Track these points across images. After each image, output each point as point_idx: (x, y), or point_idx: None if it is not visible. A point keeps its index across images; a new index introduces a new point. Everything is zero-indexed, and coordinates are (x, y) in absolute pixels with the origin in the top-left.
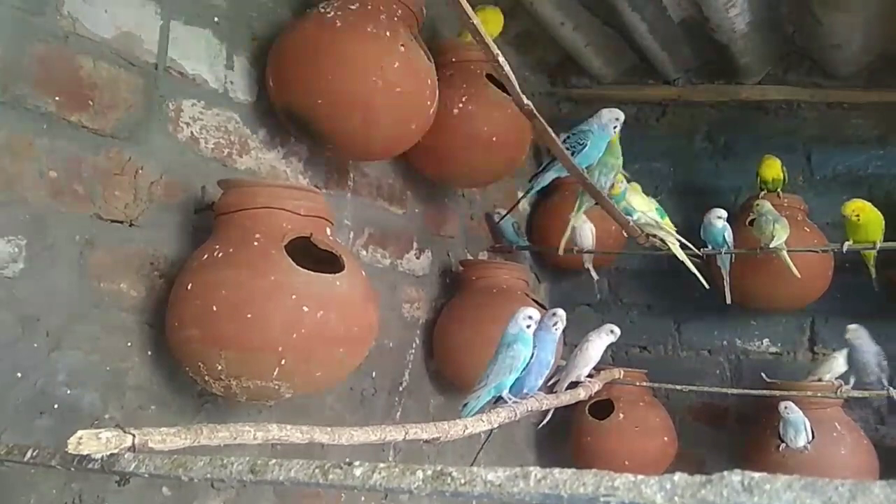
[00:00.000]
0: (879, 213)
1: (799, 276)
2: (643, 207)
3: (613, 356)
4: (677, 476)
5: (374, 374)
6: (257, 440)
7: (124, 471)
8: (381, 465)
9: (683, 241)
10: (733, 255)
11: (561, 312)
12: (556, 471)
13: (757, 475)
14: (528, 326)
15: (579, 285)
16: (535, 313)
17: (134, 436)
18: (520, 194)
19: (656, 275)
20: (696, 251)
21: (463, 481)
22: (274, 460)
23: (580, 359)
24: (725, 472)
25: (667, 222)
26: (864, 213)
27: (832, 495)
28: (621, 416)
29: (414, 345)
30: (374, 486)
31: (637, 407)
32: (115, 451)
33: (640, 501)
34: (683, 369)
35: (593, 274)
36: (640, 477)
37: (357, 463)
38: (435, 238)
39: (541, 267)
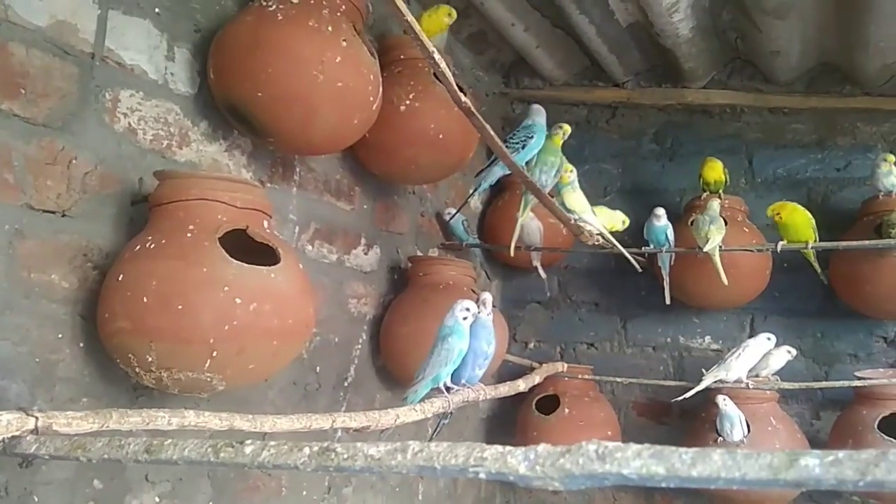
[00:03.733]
0: (807, 213)
1: (726, 282)
2: (577, 207)
3: (562, 353)
4: (541, 447)
5: (318, 368)
6: (172, 426)
7: (25, 453)
8: (272, 443)
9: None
10: (673, 255)
11: (486, 296)
12: (433, 444)
13: (611, 444)
14: (465, 318)
15: (530, 283)
16: (472, 306)
17: (37, 418)
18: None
19: (604, 273)
20: (639, 251)
21: (346, 456)
22: (169, 440)
23: (736, 363)
24: (584, 442)
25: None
26: (786, 213)
27: (675, 461)
28: (566, 410)
29: (360, 340)
30: (264, 463)
31: (582, 402)
32: (17, 433)
33: (505, 471)
34: (629, 365)
35: (541, 272)
36: (507, 448)
37: (248, 441)
38: (384, 234)
39: (492, 265)
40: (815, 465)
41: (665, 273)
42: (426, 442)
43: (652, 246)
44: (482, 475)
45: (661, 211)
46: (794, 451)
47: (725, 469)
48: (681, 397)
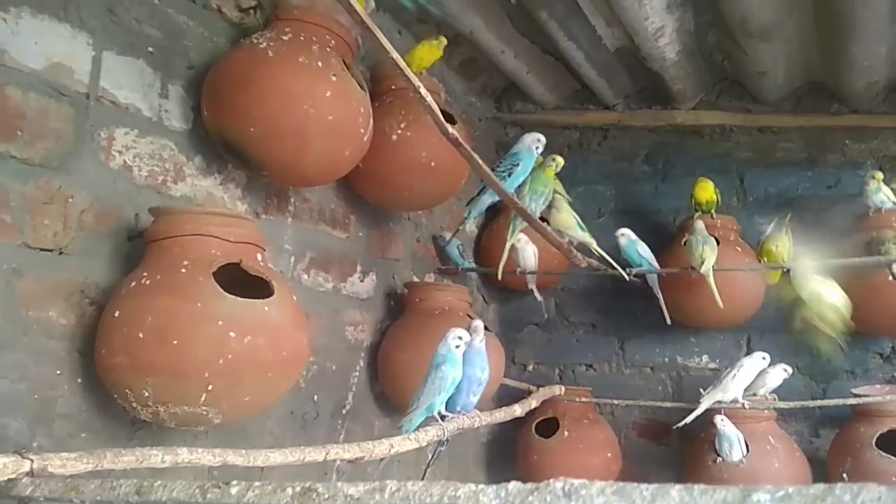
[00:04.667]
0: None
1: (721, 306)
2: (562, 225)
3: (561, 374)
4: (511, 485)
5: (316, 397)
6: (165, 464)
7: (21, 495)
8: (256, 483)
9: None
10: (659, 275)
11: (477, 323)
12: (410, 483)
13: (577, 482)
14: (458, 347)
15: (527, 306)
16: (465, 334)
17: (32, 461)
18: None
19: (600, 294)
20: (624, 273)
21: (326, 496)
22: (158, 482)
23: (732, 383)
24: (551, 480)
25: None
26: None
27: (636, 498)
28: (566, 433)
29: (358, 367)
30: (249, 503)
31: (581, 424)
32: (13, 476)
33: None
34: (627, 386)
35: (537, 295)
36: (480, 486)
37: (234, 482)
38: (380, 261)
39: (488, 289)
40: (766, 500)
41: (658, 293)
42: (403, 481)
43: (631, 267)
44: None
45: (623, 230)
46: (747, 486)
47: None
48: (681, 423)
